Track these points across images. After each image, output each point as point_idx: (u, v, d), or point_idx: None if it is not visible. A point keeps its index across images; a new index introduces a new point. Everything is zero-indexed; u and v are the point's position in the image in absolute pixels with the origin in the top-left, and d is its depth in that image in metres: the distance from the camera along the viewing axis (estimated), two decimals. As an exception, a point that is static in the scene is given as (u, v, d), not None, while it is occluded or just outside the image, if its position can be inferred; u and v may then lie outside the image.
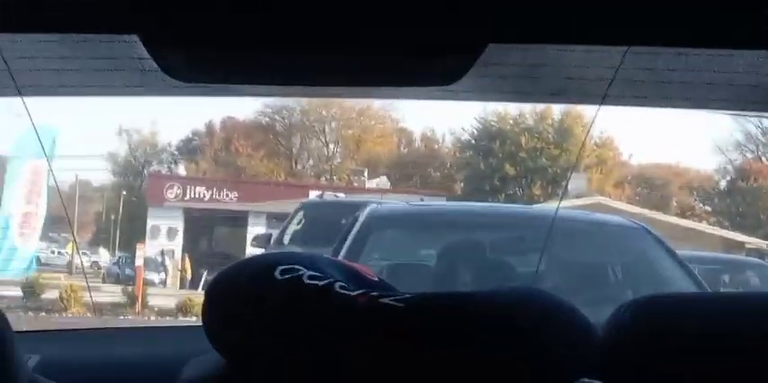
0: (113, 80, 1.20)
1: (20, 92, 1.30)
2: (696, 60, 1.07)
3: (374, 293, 1.07)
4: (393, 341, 1.03)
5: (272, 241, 11.84)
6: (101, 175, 42.68)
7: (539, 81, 1.13)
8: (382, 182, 34.88)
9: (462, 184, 39.22)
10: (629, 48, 1.01)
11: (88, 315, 16.26)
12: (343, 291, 1.07)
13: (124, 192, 39.63)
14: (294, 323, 1.06)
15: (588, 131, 34.84)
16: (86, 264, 33.23)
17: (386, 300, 1.05)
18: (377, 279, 1.18)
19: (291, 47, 1.04)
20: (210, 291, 1.13)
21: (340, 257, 4.63)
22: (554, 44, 1.00)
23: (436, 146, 43.69)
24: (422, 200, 14.34)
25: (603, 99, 1.12)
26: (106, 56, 1.13)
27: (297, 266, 1.10)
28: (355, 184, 33.76)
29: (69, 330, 2.20)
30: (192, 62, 1.05)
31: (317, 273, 1.09)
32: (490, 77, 1.13)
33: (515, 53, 1.06)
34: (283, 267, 1.10)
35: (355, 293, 1.07)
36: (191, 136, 43.76)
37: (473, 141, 38.95)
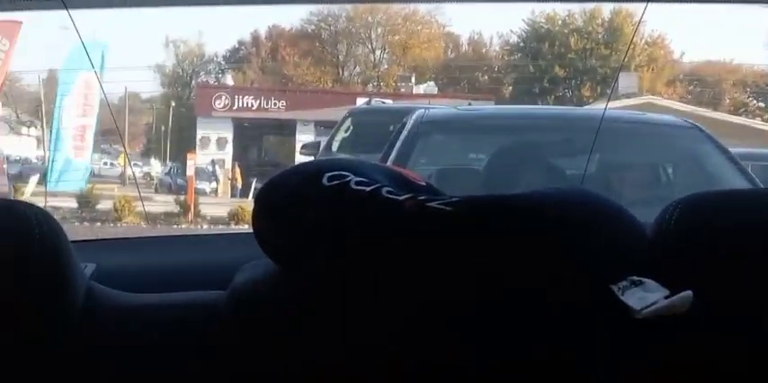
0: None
1: (65, 3, 1.30)
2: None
3: (421, 197, 1.07)
4: (441, 245, 1.03)
5: (320, 149, 11.87)
6: (150, 87, 42.89)
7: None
8: (430, 87, 34.60)
9: (511, 88, 38.83)
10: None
11: (142, 224, 16.54)
12: (390, 196, 1.07)
13: (173, 103, 39.82)
14: (341, 227, 1.06)
15: (636, 29, 34.08)
16: (138, 175, 33.66)
17: (433, 204, 1.05)
18: (424, 183, 1.18)
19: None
20: (260, 198, 1.14)
21: (389, 163, 4.63)
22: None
23: (484, 50, 43.16)
24: (470, 104, 14.24)
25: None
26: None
27: (344, 172, 1.10)
28: (402, 90, 33.58)
29: (124, 239, 2.23)
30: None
31: (363, 179, 1.10)
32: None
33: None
34: (330, 173, 1.10)
35: (402, 197, 1.07)
36: (237, 46, 43.68)
37: (521, 44, 38.42)
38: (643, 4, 1.25)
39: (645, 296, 1.00)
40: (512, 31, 39.87)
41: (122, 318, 1.14)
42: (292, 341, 1.07)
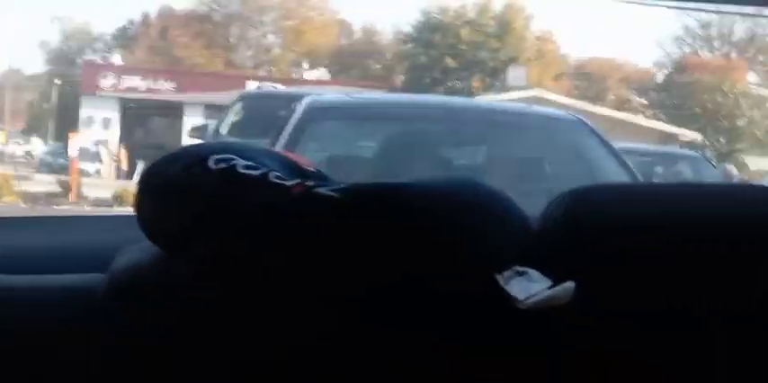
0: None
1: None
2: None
3: (309, 183, 1.06)
4: (328, 230, 1.03)
5: (209, 132, 11.74)
6: (34, 64, 41.68)
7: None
8: (322, 73, 34.55)
9: (403, 77, 39.03)
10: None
11: (21, 204, 16.09)
12: (278, 181, 1.06)
13: (57, 81, 38.80)
14: (227, 212, 1.05)
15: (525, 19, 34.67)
16: (19, 154, 32.74)
17: (321, 190, 1.05)
18: (314, 169, 1.17)
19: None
20: (143, 181, 1.12)
21: (278, 148, 4.60)
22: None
23: (377, 38, 43.27)
24: (361, 91, 14.26)
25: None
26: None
27: (231, 156, 1.09)
28: (294, 76, 33.43)
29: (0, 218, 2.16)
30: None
31: (251, 163, 1.08)
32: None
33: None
34: (217, 156, 1.08)
35: (290, 183, 1.06)
36: (126, 25, 42.81)
37: (414, 33, 38.63)
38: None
39: (528, 286, 1.01)
40: (405, 21, 40.06)
41: None
42: (178, 326, 1.05)
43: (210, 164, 1.08)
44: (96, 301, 1.09)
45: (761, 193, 1.12)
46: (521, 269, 1.03)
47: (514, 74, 29.37)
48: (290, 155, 1.19)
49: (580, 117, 5.28)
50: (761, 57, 41.64)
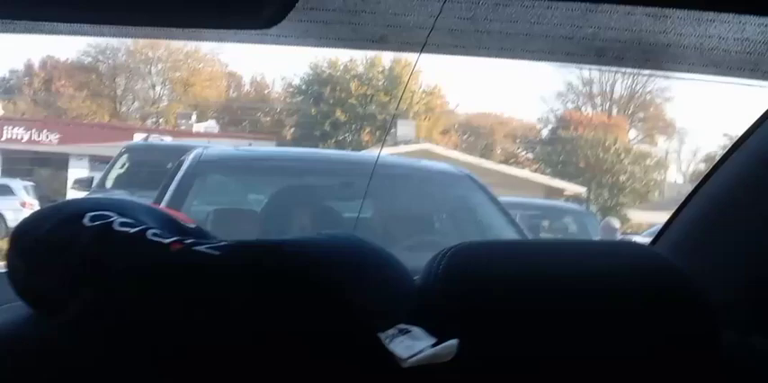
0: None
1: None
2: (513, 11, 1.08)
3: (189, 240, 1.05)
4: (207, 289, 1.01)
5: (94, 184, 11.52)
6: None
7: (359, 27, 1.12)
8: (210, 126, 34.35)
9: (292, 130, 39.10)
10: (448, -4, 1.01)
11: None
12: (155, 238, 1.04)
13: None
14: (102, 271, 1.02)
15: (410, 75, 35.23)
16: None
17: (201, 248, 1.03)
18: (194, 226, 1.15)
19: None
20: (14, 239, 1.08)
21: (164, 202, 4.54)
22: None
23: (266, 91, 43.35)
24: (250, 144, 14.23)
25: (423, 47, 1.12)
26: None
27: (107, 212, 1.06)
28: (183, 128, 33.16)
29: None
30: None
31: (128, 220, 1.06)
32: (311, 22, 1.11)
33: (335, -2, 1.05)
34: (93, 213, 1.06)
35: (169, 240, 1.04)
36: (7, 75, 41.92)
37: (304, 87, 38.81)
38: (419, 55, 1.28)
39: (412, 344, 1.02)
40: (294, 74, 40.30)
41: None
42: None
43: (86, 221, 1.05)
44: None
45: (624, 249, 1.17)
46: (404, 327, 1.03)
47: (403, 128, 29.71)
48: (170, 212, 1.17)
49: (467, 172, 5.36)
50: (641, 114, 43.11)
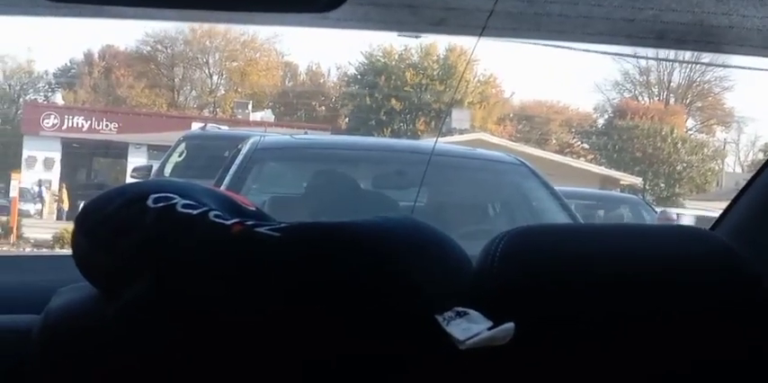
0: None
1: None
2: (573, -7, 1.08)
3: (249, 222, 1.06)
4: (267, 270, 1.02)
5: (152, 173, 11.64)
6: (-27, 104, 41.19)
7: (419, 10, 1.12)
8: (267, 115, 34.52)
9: (347, 119, 39.16)
10: (509, -21, 1.01)
11: (-40, 246, 15.79)
12: (217, 220, 1.05)
13: (-2, 122, 38.35)
14: (166, 251, 1.04)
15: (468, 62, 35.08)
16: (-42, 194, 32.16)
17: (261, 229, 1.04)
18: (254, 208, 1.17)
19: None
20: (80, 219, 1.10)
21: (222, 189, 4.57)
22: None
23: (321, 80, 43.41)
24: (306, 133, 14.27)
25: (483, 30, 1.12)
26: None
27: (170, 194, 1.08)
28: (239, 117, 33.35)
29: (-65, 259, 2.12)
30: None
31: (191, 202, 1.07)
32: (371, 5, 1.11)
33: (396, -19, 1.06)
34: (156, 195, 1.08)
35: (230, 222, 1.05)
36: (69, 64, 42.48)
37: (359, 76, 38.84)
38: (478, 38, 1.28)
39: (469, 327, 1.02)
40: (349, 63, 40.30)
41: None
42: (105, 370, 1.04)
43: (150, 202, 1.07)
44: (30, 342, 1.07)
45: (683, 232, 1.16)
46: (462, 310, 1.03)
47: (458, 117, 29.61)
48: (230, 195, 1.19)
49: (522, 160, 5.34)
50: (698, 103, 42.51)
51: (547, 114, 41.48)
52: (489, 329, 1.01)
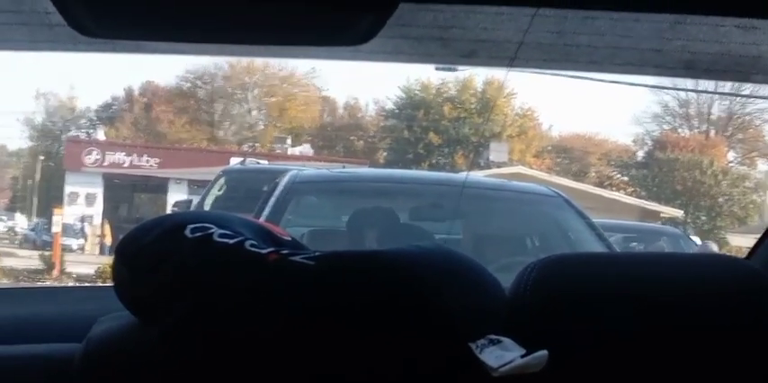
0: (19, 35, 1.18)
1: None
2: (601, 24, 1.09)
3: (285, 251, 1.08)
4: (303, 298, 1.04)
5: (192, 207, 11.72)
6: (17, 140, 41.78)
7: (449, 43, 1.14)
8: (305, 149, 34.72)
9: (385, 153, 39.26)
10: (537, 10, 1.03)
11: (4, 281, 15.94)
12: (253, 249, 1.07)
13: (41, 157, 38.84)
14: (203, 280, 1.06)
15: (502, 95, 35.08)
16: (2, 230, 32.54)
17: (296, 258, 1.06)
18: (289, 238, 1.19)
19: (200, 3, 1.03)
20: (120, 249, 1.13)
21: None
22: (463, 4, 1.02)
23: (360, 115, 43.62)
24: (344, 167, 14.32)
25: (513, 61, 1.13)
26: (10, 9, 1.11)
27: (207, 224, 1.10)
28: (278, 151, 33.55)
29: (-20, 290, 2.15)
30: (99, 16, 1.03)
31: (227, 231, 1.10)
32: (402, 38, 1.13)
33: (426, 14, 1.08)
34: (194, 225, 1.10)
35: (266, 251, 1.07)
36: (110, 101, 43.03)
37: (397, 110, 38.97)
38: (514, 77, 1.30)
39: (502, 354, 1.03)
40: (387, 98, 40.49)
41: None
42: None
43: (187, 232, 1.09)
44: (73, 370, 1.09)
45: (717, 261, 1.16)
46: (495, 337, 1.04)
47: (496, 150, 29.60)
48: (266, 225, 1.21)
49: (560, 193, 5.33)
50: (739, 135, 42.15)
51: (585, 147, 41.31)
52: (522, 356, 1.02)
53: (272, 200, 5.03)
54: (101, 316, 1.18)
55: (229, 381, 1.05)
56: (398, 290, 1.04)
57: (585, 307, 1.07)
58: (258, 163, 14.85)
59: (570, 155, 41.16)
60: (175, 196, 23.74)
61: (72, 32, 1.07)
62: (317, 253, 1.07)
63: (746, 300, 1.08)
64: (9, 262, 18.26)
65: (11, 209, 40.93)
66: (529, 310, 1.08)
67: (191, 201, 12.90)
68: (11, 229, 33.00)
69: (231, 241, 1.08)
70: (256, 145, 39.64)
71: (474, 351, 1.02)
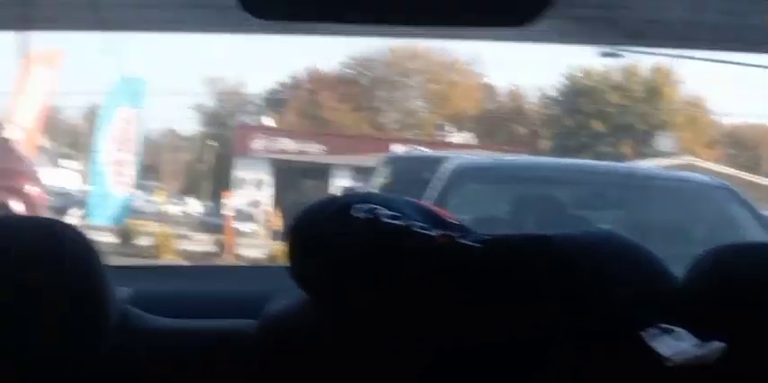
0: (191, 17, 1.21)
1: (103, 25, 1.32)
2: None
3: (454, 234, 1.09)
4: (471, 281, 1.04)
5: (358, 193, 11.85)
6: (189, 125, 43.25)
7: (617, 23, 1.12)
8: (467, 137, 34.67)
9: (548, 141, 38.78)
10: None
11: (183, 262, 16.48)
12: (422, 231, 1.09)
13: (211, 142, 40.13)
14: (372, 259, 1.08)
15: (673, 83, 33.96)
16: (177, 213, 33.75)
17: (465, 241, 1.07)
18: (457, 221, 1.19)
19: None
20: (291, 230, 1.16)
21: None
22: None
23: (521, 102, 43.22)
24: (506, 155, 14.24)
25: (682, 42, 1.10)
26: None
27: (375, 206, 1.12)
28: (440, 139, 33.61)
29: (161, 266, 2.26)
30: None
31: (396, 213, 1.11)
32: (567, 19, 1.12)
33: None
34: (361, 206, 1.12)
35: (435, 233, 1.08)
36: (276, 87, 44.00)
37: (560, 97, 38.43)
38: (682, 63, 1.26)
39: (675, 344, 1.01)
40: (550, 85, 39.92)
41: (154, 342, 1.16)
42: (319, 370, 1.09)
43: (355, 213, 1.11)
44: (249, 345, 1.14)
45: None
46: (667, 327, 1.02)
47: (664, 140, 28.82)
48: (432, 207, 1.22)
49: (727, 184, 5.17)
50: None
51: (759, 137, 39.72)
52: (696, 346, 1.00)
53: (436, 187, 5.07)
54: (274, 294, 1.22)
55: (397, 359, 1.07)
56: (568, 276, 1.03)
57: (758, 297, 1.04)
58: (422, 150, 14.91)
59: (743, 146, 39.66)
60: (340, 182, 24.10)
61: (243, 14, 1.10)
62: (485, 236, 1.07)
63: None
64: (185, 246, 18.89)
65: (184, 192, 42.44)
66: (703, 299, 1.05)
67: (354, 188, 13.07)
68: (184, 212, 34.18)
69: (399, 222, 1.09)
70: (418, 132, 39.82)
71: (645, 340, 1.01)
